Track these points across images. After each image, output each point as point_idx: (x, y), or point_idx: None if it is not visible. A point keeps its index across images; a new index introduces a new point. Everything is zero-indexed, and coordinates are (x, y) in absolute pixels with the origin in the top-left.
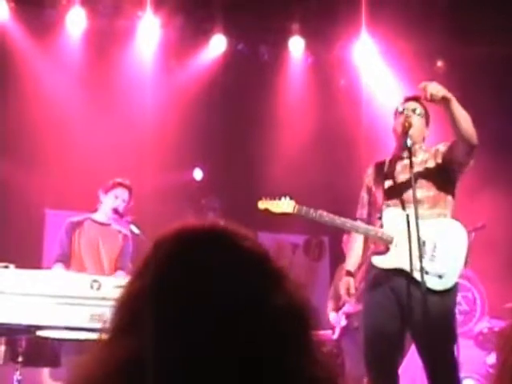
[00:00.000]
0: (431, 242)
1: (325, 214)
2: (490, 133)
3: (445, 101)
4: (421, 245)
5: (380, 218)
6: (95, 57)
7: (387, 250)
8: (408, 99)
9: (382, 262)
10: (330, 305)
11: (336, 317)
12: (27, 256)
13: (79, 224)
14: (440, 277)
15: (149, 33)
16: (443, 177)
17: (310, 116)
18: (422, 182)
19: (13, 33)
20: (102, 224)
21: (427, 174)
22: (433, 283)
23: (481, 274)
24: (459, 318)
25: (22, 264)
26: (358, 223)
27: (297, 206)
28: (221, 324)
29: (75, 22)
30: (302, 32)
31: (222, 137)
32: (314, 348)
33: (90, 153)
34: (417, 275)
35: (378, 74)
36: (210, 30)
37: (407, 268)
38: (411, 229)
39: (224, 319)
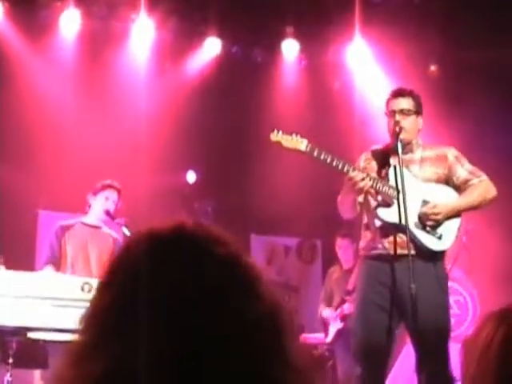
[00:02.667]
0: (432, 203)
1: (335, 159)
2: (485, 137)
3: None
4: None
5: (386, 174)
6: (89, 59)
7: (389, 205)
8: (395, 95)
9: (386, 214)
10: (322, 307)
11: (330, 313)
12: (20, 257)
13: (69, 227)
14: (439, 238)
15: (143, 35)
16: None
17: (303, 118)
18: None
19: (7, 33)
20: (92, 227)
21: (437, 180)
22: (431, 242)
23: (473, 276)
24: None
25: (14, 265)
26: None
27: (310, 145)
28: (186, 329)
29: (69, 24)
30: (295, 35)
31: (215, 139)
32: (290, 352)
33: (84, 154)
34: (417, 232)
35: (372, 77)
36: (204, 32)
37: (410, 226)
38: (414, 188)
39: (189, 323)
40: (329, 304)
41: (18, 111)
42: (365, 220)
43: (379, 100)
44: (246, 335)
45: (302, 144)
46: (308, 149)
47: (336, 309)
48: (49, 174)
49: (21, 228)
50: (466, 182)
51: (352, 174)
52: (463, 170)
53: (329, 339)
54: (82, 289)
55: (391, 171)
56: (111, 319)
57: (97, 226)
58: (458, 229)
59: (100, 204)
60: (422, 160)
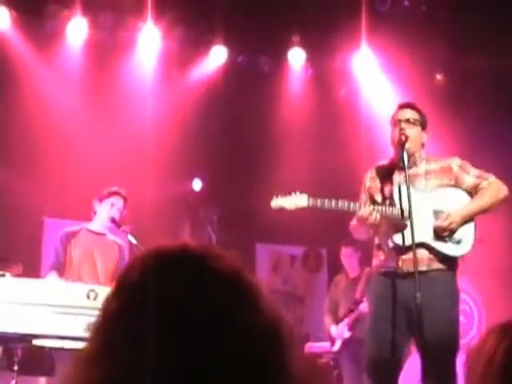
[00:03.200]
0: (446, 211)
1: (339, 201)
2: (492, 144)
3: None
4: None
5: (391, 199)
6: (96, 67)
7: (401, 228)
8: (401, 107)
9: (400, 239)
10: (328, 318)
11: (337, 329)
12: (25, 264)
13: (74, 234)
14: (458, 242)
15: (149, 44)
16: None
17: (309, 127)
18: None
19: (14, 42)
20: (97, 234)
21: (445, 196)
22: (451, 249)
23: (479, 283)
24: None
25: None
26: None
27: (311, 199)
28: (191, 347)
29: (76, 32)
30: (301, 44)
31: (221, 147)
32: (293, 364)
33: (90, 162)
34: (438, 245)
35: (378, 85)
36: (211, 41)
37: (428, 241)
38: (423, 202)
39: (194, 342)
40: (334, 314)
41: (25, 118)
42: (376, 241)
43: (385, 108)
44: (250, 352)
45: (302, 200)
46: (310, 203)
47: (343, 319)
48: (55, 181)
49: (27, 235)
50: (476, 186)
51: (360, 212)
52: (470, 176)
53: (335, 348)
54: (88, 296)
55: (396, 191)
56: (118, 328)
57: (102, 232)
58: (475, 232)
59: (105, 211)
60: (427, 173)
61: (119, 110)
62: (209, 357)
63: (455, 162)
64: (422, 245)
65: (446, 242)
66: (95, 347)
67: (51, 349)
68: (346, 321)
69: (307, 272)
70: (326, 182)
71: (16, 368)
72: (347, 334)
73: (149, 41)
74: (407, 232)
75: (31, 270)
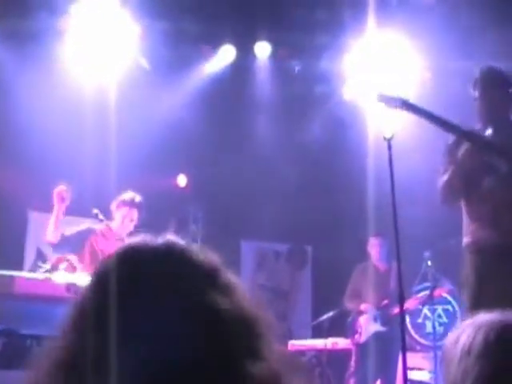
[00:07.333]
0: None
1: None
2: None
3: None
4: None
5: None
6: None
7: None
8: None
9: None
10: (351, 305)
11: (365, 320)
12: (9, 257)
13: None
14: None
15: (130, 43)
16: None
17: (286, 125)
18: None
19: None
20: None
21: None
22: None
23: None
24: (439, 330)
25: (3, 266)
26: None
27: None
28: (165, 334)
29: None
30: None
31: (208, 142)
32: (265, 356)
33: (75, 157)
34: None
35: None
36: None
37: None
38: None
39: (169, 330)
40: (357, 302)
41: (10, 112)
42: (466, 217)
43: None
44: (225, 338)
45: None
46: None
47: (378, 309)
48: (39, 174)
49: (10, 228)
50: None
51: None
52: None
53: (363, 339)
54: (68, 289)
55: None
56: (86, 320)
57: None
58: None
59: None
60: None
61: (105, 107)
62: (182, 349)
63: None
64: None
65: None
66: (60, 335)
67: (32, 339)
68: (383, 313)
69: (291, 268)
70: (312, 179)
71: None
72: (380, 328)
73: (129, 40)
74: None
75: (15, 263)
